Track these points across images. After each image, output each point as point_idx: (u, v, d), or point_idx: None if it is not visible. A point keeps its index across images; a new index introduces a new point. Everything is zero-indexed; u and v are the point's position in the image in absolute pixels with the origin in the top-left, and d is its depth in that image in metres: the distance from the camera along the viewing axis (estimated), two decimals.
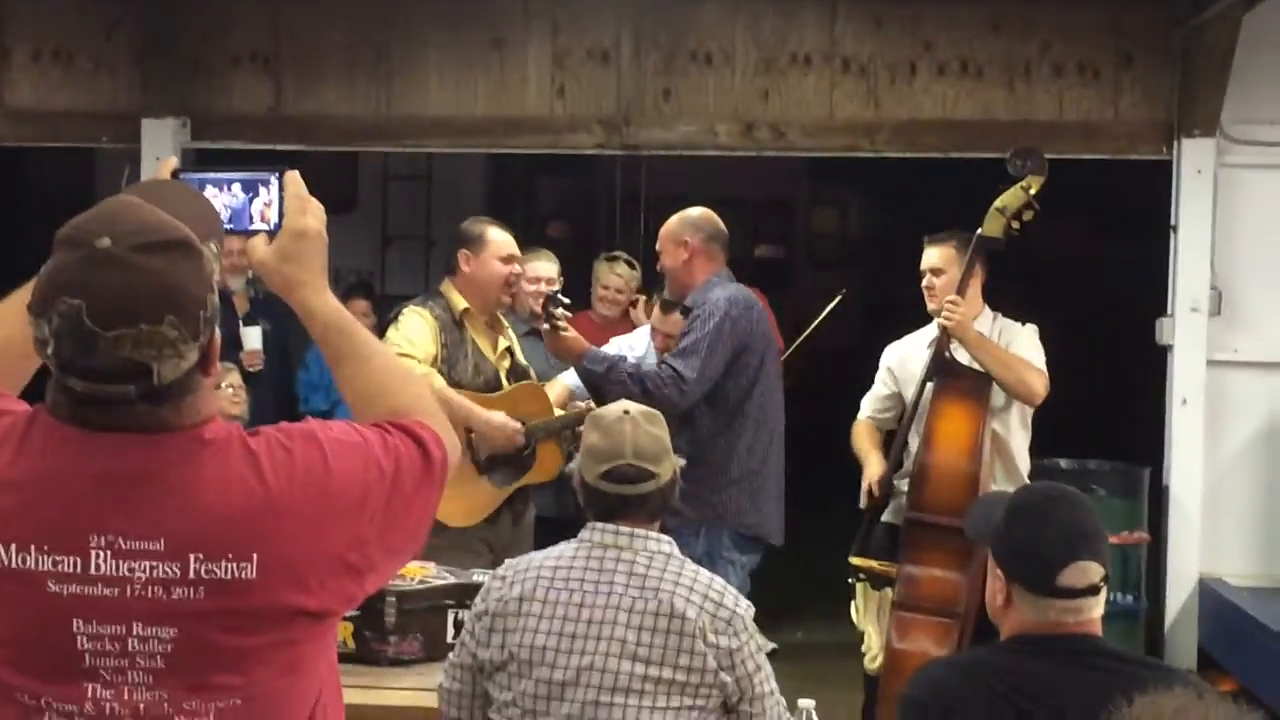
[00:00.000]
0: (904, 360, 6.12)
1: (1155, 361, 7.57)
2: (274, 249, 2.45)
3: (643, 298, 7.44)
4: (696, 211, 5.98)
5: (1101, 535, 3.12)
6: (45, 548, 2.15)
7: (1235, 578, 7.19)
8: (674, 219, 5.97)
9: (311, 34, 7.90)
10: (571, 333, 5.69)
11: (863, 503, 5.96)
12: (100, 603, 2.14)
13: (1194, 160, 7.32)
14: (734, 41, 7.65)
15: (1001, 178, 5.85)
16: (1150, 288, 7.71)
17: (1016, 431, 5.88)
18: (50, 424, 2.19)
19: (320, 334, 2.47)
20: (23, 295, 2.21)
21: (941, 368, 5.83)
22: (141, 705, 2.17)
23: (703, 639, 3.61)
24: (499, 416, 5.55)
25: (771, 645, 3.20)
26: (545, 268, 6.60)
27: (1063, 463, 7.34)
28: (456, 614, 4.46)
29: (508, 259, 5.71)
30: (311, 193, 2.50)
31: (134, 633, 2.15)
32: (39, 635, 2.16)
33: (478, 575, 4.53)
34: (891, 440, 6.07)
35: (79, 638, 2.15)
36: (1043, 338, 5.92)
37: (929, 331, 5.98)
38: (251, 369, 6.61)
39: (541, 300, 5.77)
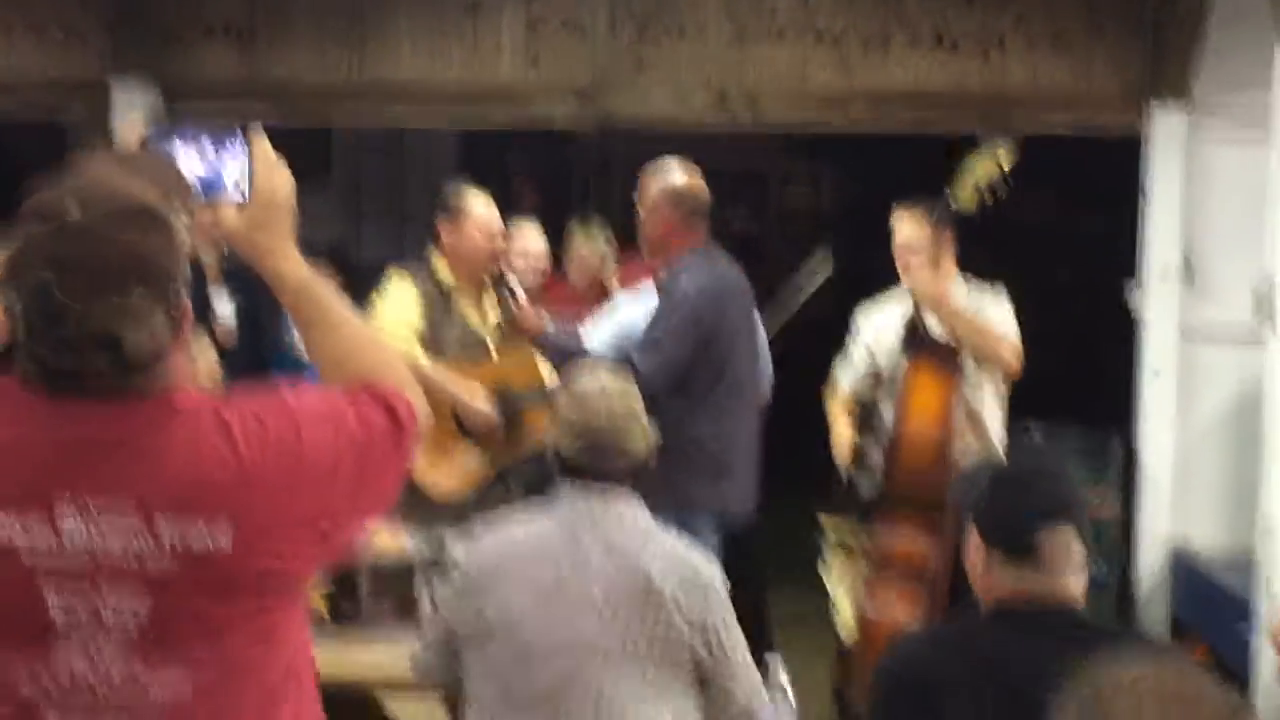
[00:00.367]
0: (878, 329, 6.12)
1: (1127, 331, 7.60)
2: (244, 216, 2.45)
3: (617, 266, 7.43)
4: (680, 180, 5.74)
5: (1080, 506, 3.14)
6: (14, 515, 2.15)
7: (1206, 547, 7.22)
8: (656, 183, 5.74)
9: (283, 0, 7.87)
10: (529, 315, 5.61)
11: (841, 472, 5.97)
12: (73, 572, 2.15)
13: (1166, 130, 7.33)
14: (708, 12, 7.63)
15: (974, 147, 5.85)
16: (1121, 257, 7.72)
17: (989, 401, 5.89)
18: (20, 393, 2.19)
19: (291, 301, 2.47)
20: None
21: (914, 338, 5.84)
22: (116, 674, 2.17)
23: (676, 609, 3.61)
24: (478, 404, 5.52)
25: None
26: (533, 240, 6.58)
27: (1034, 430, 7.36)
28: (430, 582, 4.47)
29: (489, 235, 5.65)
30: (284, 164, 2.49)
31: (107, 603, 2.16)
32: (11, 604, 2.16)
33: (452, 546, 4.53)
34: (865, 409, 6.08)
35: (51, 608, 2.15)
36: (1015, 308, 5.92)
37: (902, 298, 5.98)
38: (223, 340, 6.58)
39: (496, 279, 5.67)
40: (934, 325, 5.84)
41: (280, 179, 2.46)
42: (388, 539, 4.59)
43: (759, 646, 4.54)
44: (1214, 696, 1.89)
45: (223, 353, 6.45)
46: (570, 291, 7.30)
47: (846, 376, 6.23)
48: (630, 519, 3.73)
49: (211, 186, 2.47)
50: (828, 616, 6.08)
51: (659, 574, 3.63)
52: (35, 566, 2.15)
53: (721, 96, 7.64)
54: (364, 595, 4.43)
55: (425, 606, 4.43)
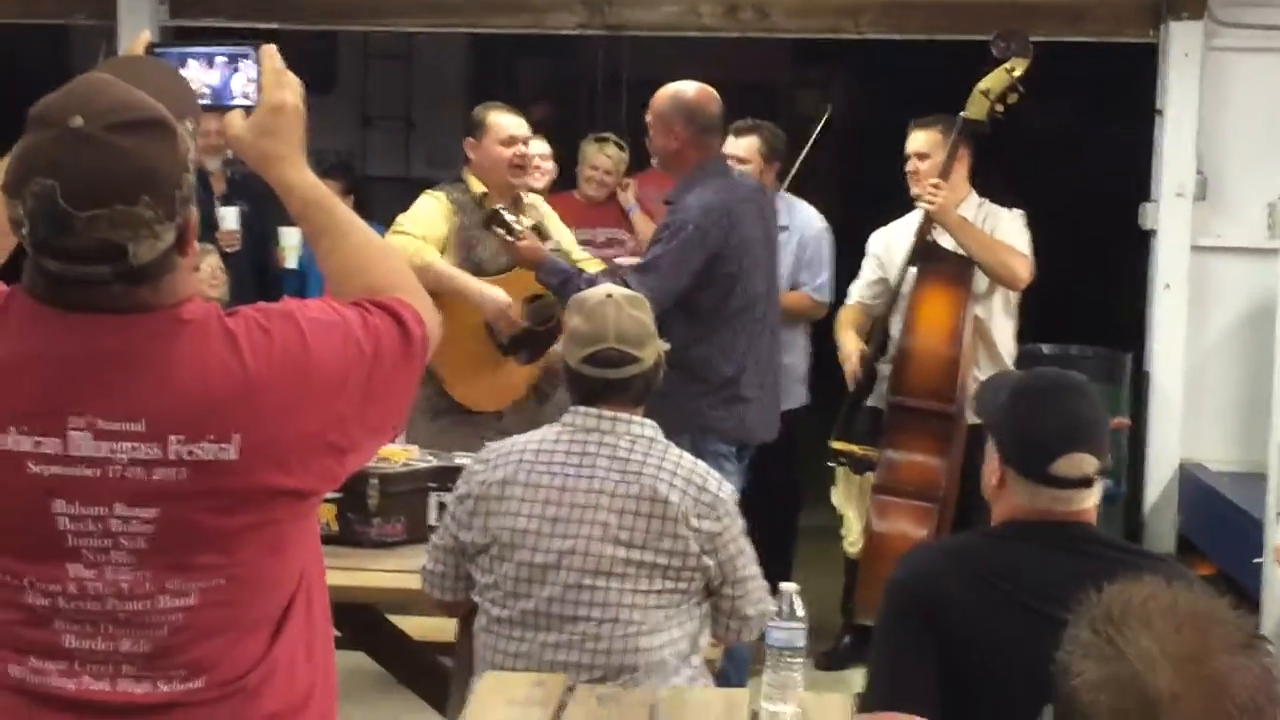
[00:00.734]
0: (890, 246, 6.09)
1: (1138, 246, 7.56)
2: (251, 123, 2.42)
3: (631, 181, 7.38)
4: (691, 93, 5.57)
5: (1102, 427, 3.09)
6: (25, 428, 2.14)
7: (1215, 463, 7.21)
8: (667, 98, 5.58)
9: None
10: (526, 242, 5.54)
11: (849, 383, 5.96)
12: (81, 483, 2.14)
13: (1181, 43, 7.26)
14: None
15: (987, 61, 5.80)
16: (1135, 172, 7.67)
17: (1000, 317, 5.87)
18: (28, 304, 2.18)
19: (298, 209, 2.44)
20: None
21: (924, 252, 5.81)
22: (124, 585, 2.17)
23: (685, 523, 3.61)
24: (492, 290, 5.51)
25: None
26: (538, 146, 6.54)
27: (1044, 348, 7.34)
28: (439, 497, 4.47)
29: (508, 140, 5.66)
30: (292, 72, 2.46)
31: (115, 513, 2.15)
32: (20, 516, 2.16)
33: (460, 458, 4.52)
34: (875, 324, 6.06)
35: (60, 518, 2.15)
36: (1028, 223, 5.90)
37: (915, 217, 5.94)
38: (229, 249, 6.56)
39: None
40: (944, 238, 5.81)
41: (289, 86, 2.43)
42: (396, 453, 4.59)
43: (781, 569, 4.54)
44: (1227, 618, 1.88)
45: (228, 261, 6.45)
46: (581, 205, 7.26)
47: (860, 293, 6.20)
48: (638, 431, 3.72)
49: (219, 95, 2.45)
50: (837, 533, 6.09)
51: (666, 486, 3.63)
52: (43, 477, 2.14)
53: (731, 5, 7.57)
54: (373, 511, 4.43)
55: (433, 521, 4.42)
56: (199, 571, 2.19)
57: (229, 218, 6.65)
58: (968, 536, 3.71)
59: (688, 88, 5.61)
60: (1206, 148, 7.28)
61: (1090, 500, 3.05)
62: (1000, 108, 5.76)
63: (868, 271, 6.19)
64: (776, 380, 5.73)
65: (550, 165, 6.96)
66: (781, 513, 6.52)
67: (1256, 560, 5.90)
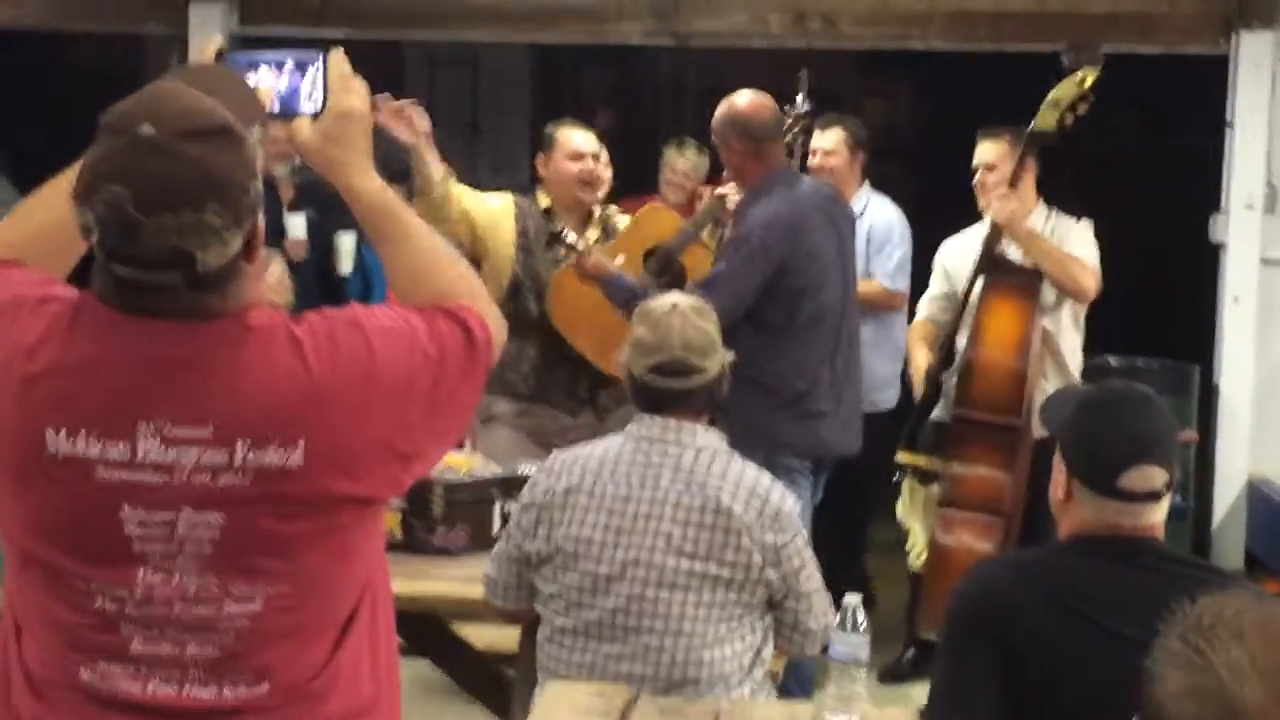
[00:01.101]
0: (958, 258, 6.05)
1: (1207, 258, 7.50)
2: (318, 130, 2.42)
3: (708, 187, 7.38)
4: (743, 105, 5.53)
5: (1171, 440, 3.05)
6: (94, 433, 2.15)
7: None
8: (721, 115, 5.56)
9: None
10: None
11: (916, 398, 5.93)
12: (148, 489, 2.16)
13: (1252, 54, 7.20)
14: None
15: (1056, 72, 5.76)
16: (1204, 184, 7.61)
17: (1067, 329, 5.83)
18: (98, 310, 2.19)
19: (364, 215, 2.45)
20: (68, 180, 2.20)
21: (992, 263, 5.76)
22: (191, 589, 2.19)
23: (748, 535, 3.60)
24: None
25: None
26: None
27: (1112, 360, 7.28)
28: (503, 505, 4.48)
29: (575, 155, 5.67)
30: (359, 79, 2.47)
31: (182, 519, 2.16)
32: (88, 521, 2.17)
33: (525, 467, 4.53)
34: (943, 336, 6.03)
35: (127, 524, 2.16)
36: (1095, 234, 5.85)
37: (983, 228, 5.90)
38: (296, 258, 6.59)
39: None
40: (1012, 249, 5.77)
41: (356, 93, 2.44)
42: (461, 462, 4.59)
43: (848, 582, 4.49)
44: None
45: (294, 267, 6.48)
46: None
47: (930, 307, 6.17)
48: (703, 442, 3.71)
49: (287, 103, 2.45)
50: (902, 547, 6.05)
51: (731, 499, 3.62)
52: (112, 483, 2.16)
53: (798, 15, 7.57)
54: (438, 518, 4.44)
55: (497, 529, 4.43)
56: (264, 577, 2.20)
57: (296, 226, 6.68)
58: (1034, 551, 3.68)
59: (739, 100, 5.56)
60: (1277, 160, 7.22)
61: (1158, 514, 3.01)
62: (1070, 119, 5.71)
63: (935, 286, 6.15)
64: (856, 392, 5.67)
65: (607, 174, 6.97)
66: (849, 523, 6.50)
67: None
